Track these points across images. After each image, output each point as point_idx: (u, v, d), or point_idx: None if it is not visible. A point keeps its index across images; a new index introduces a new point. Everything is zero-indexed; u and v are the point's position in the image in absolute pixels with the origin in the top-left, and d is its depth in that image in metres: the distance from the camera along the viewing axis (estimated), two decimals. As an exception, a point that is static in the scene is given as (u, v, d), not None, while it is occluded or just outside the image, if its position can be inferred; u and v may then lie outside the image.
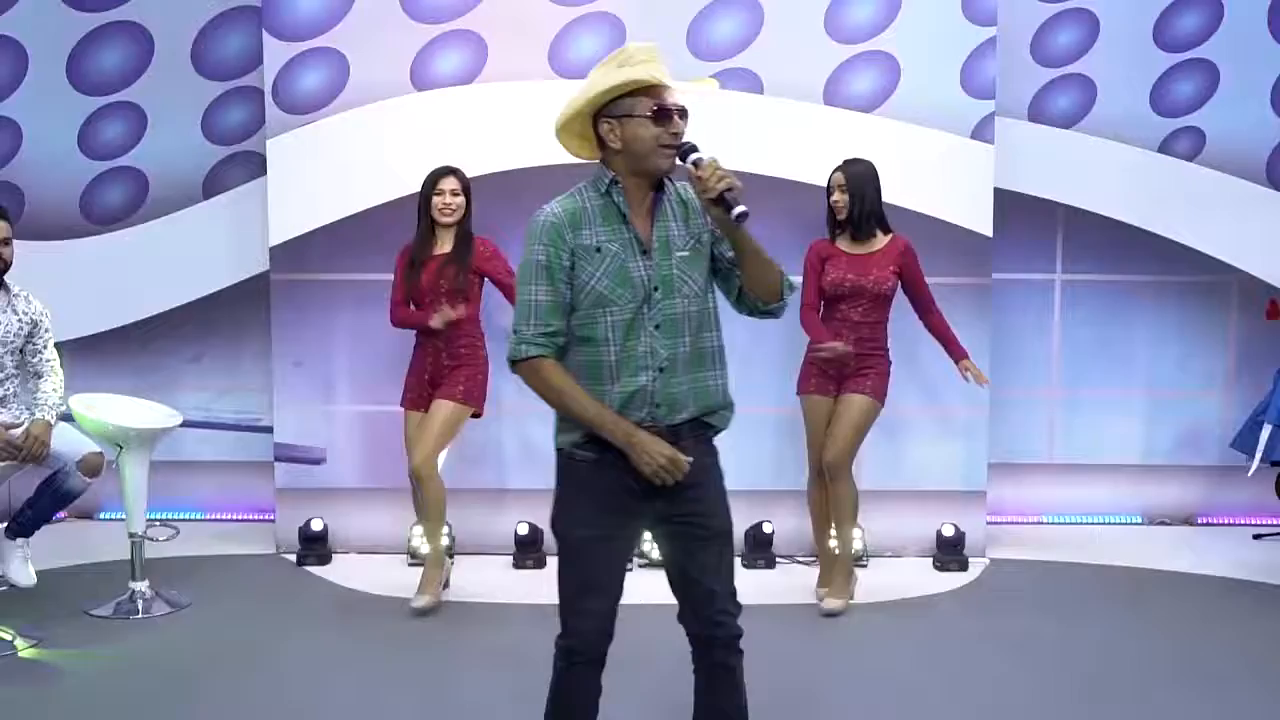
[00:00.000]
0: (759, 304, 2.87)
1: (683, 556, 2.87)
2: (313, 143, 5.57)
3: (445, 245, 4.94)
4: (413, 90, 5.56)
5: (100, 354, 6.04)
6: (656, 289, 2.76)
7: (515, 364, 2.80)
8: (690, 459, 2.75)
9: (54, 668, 4.27)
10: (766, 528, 5.52)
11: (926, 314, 4.99)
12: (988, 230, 5.56)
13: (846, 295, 4.84)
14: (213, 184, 6.04)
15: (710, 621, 2.87)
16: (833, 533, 5.00)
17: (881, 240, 4.91)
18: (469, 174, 5.10)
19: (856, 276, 4.83)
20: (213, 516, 6.18)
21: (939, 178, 5.47)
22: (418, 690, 4.08)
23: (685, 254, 2.80)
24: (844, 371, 4.89)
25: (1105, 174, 6.06)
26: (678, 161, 2.76)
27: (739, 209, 2.63)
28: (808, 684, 3.90)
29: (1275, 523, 6.08)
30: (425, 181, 4.94)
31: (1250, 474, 5.39)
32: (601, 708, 2.91)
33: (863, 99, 5.55)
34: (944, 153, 5.52)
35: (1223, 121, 6.06)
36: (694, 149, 2.72)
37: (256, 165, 5.88)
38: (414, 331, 5.02)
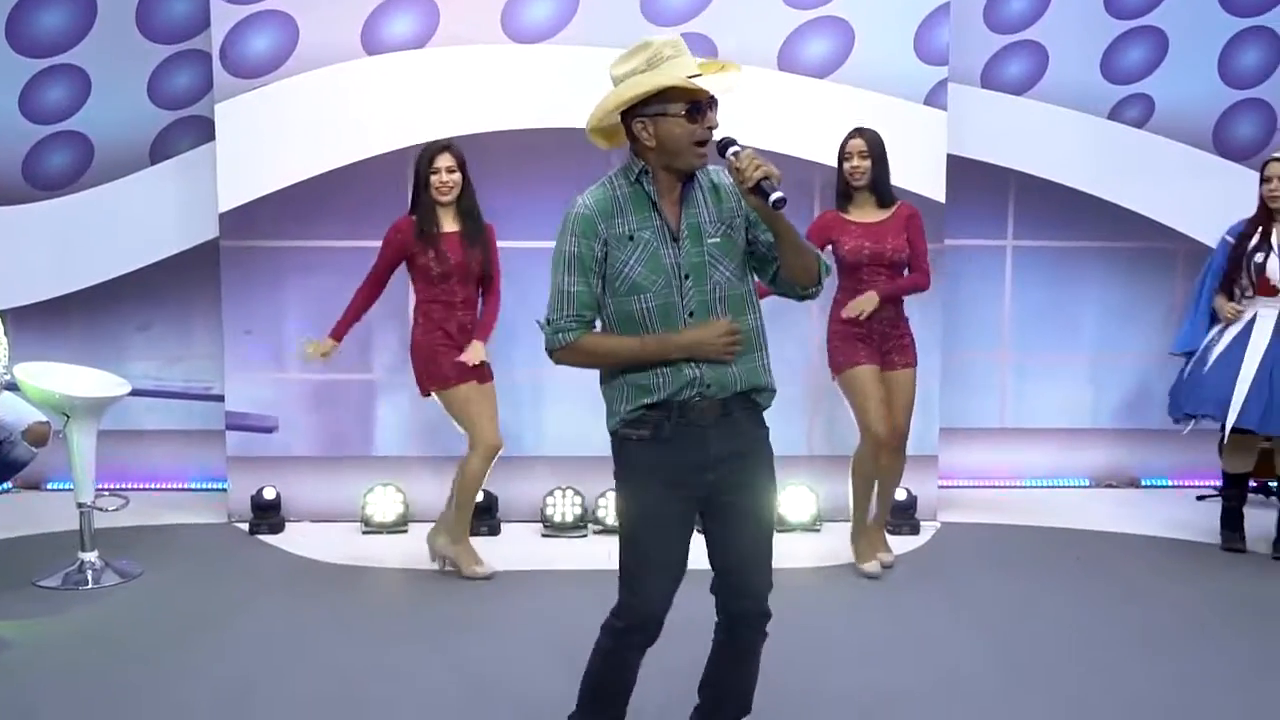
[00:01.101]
0: (796, 288, 2.88)
1: (725, 529, 2.88)
2: (262, 107, 5.48)
3: (450, 223, 4.78)
4: (364, 54, 5.49)
5: (46, 322, 5.95)
6: (687, 276, 2.78)
7: (555, 352, 2.82)
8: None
9: (1, 640, 4.21)
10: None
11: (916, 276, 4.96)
12: (940, 196, 5.59)
13: (866, 264, 4.83)
14: (160, 149, 5.94)
15: (742, 595, 2.90)
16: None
17: (890, 208, 4.93)
18: (419, 140, 5.04)
19: (874, 244, 4.83)
20: (163, 486, 6.12)
21: (892, 144, 5.43)
22: (373, 657, 4.06)
23: (717, 240, 2.80)
24: (885, 343, 4.91)
25: (1056, 140, 6.12)
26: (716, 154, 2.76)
27: (775, 195, 2.65)
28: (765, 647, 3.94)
29: (1217, 484, 6.19)
30: (420, 158, 4.78)
31: (1185, 432, 5.39)
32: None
33: (817, 64, 5.55)
34: (897, 119, 5.52)
35: (1172, 89, 6.13)
36: (733, 143, 2.72)
37: (205, 130, 5.78)
38: (422, 311, 4.83)
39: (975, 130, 5.97)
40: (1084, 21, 6.07)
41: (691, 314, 2.78)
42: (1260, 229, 5.14)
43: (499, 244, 4.94)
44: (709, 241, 2.80)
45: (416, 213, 4.80)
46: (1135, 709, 3.68)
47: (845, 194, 4.92)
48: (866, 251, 4.82)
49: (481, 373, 4.84)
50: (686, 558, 2.88)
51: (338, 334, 4.91)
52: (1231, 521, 5.34)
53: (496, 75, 5.51)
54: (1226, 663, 4.02)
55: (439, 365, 4.79)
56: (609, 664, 2.95)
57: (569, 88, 5.48)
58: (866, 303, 4.78)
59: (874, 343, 4.89)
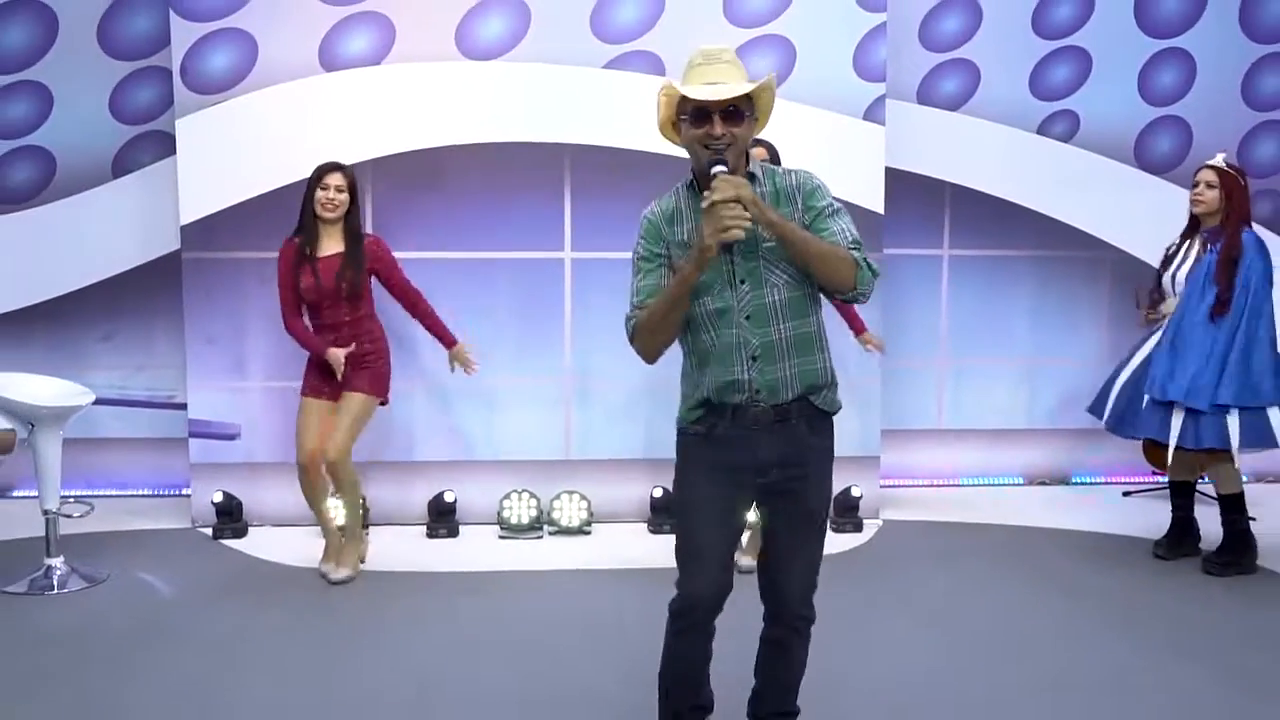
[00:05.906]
0: (834, 292, 2.90)
1: (772, 532, 3.06)
2: (222, 123, 5.60)
3: (335, 244, 4.90)
4: (321, 71, 5.63)
5: (11, 333, 6.04)
6: (743, 281, 2.84)
7: (631, 341, 2.94)
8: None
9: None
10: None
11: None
12: (879, 208, 5.82)
13: None
14: (121, 163, 6.05)
15: (774, 595, 3.08)
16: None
17: None
18: (376, 155, 5.15)
19: None
20: (127, 492, 6.20)
21: (833, 157, 5.66)
22: (339, 658, 4.16)
23: (771, 244, 2.81)
24: None
25: (989, 154, 6.39)
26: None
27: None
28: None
29: (1142, 481, 6.49)
30: (311, 177, 4.92)
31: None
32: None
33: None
34: (838, 133, 5.76)
35: (1095, 105, 6.42)
36: (722, 162, 2.75)
37: (166, 145, 5.90)
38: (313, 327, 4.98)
39: (912, 144, 6.22)
40: (1013, 41, 6.35)
41: (748, 317, 2.85)
42: (1186, 241, 5.10)
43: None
44: (764, 245, 2.81)
45: (300, 234, 4.91)
46: (1059, 691, 3.90)
47: None
48: None
49: (334, 390, 4.94)
50: (731, 550, 3.02)
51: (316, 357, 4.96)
52: (1180, 534, 5.24)
53: (451, 92, 5.68)
54: (1147, 651, 4.26)
55: (307, 374, 5.00)
56: (670, 650, 3.08)
57: (522, 103, 5.67)
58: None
59: None
